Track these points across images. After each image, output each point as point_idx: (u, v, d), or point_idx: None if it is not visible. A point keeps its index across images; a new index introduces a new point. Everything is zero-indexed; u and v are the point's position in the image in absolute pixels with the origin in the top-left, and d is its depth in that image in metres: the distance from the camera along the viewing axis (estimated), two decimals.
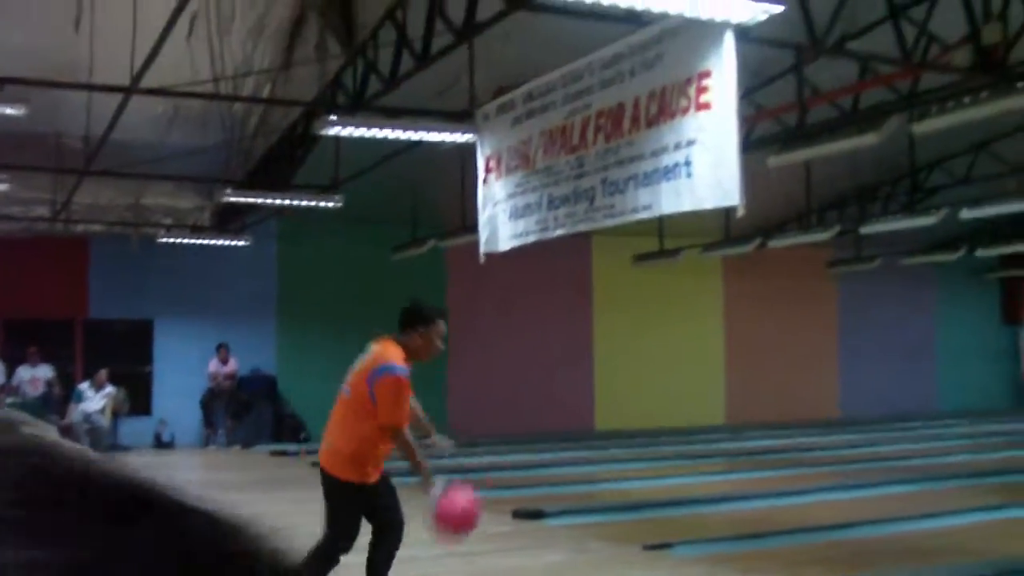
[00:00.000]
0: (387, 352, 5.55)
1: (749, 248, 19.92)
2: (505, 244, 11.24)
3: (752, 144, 13.49)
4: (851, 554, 7.38)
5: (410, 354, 5.56)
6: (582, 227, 10.33)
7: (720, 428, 21.22)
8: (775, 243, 19.70)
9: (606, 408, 21.65)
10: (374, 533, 5.63)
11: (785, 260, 22.48)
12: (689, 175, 8.54)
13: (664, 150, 8.68)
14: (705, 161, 8.35)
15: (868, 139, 12.28)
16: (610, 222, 9.71)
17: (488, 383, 20.59)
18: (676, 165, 8.66)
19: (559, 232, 10.60)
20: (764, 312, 23.80)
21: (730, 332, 23.59)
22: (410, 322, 5.66)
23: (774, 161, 13.25)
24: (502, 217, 11.25)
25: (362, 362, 5.62)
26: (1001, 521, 9.17)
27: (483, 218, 11.53)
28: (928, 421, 21.77)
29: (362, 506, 5.60)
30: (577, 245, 19.36)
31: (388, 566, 5.59)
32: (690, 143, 8.29)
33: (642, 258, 21.02)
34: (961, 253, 22.02)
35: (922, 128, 12.41)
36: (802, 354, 24.33)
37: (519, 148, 10.75)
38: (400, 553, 5.57)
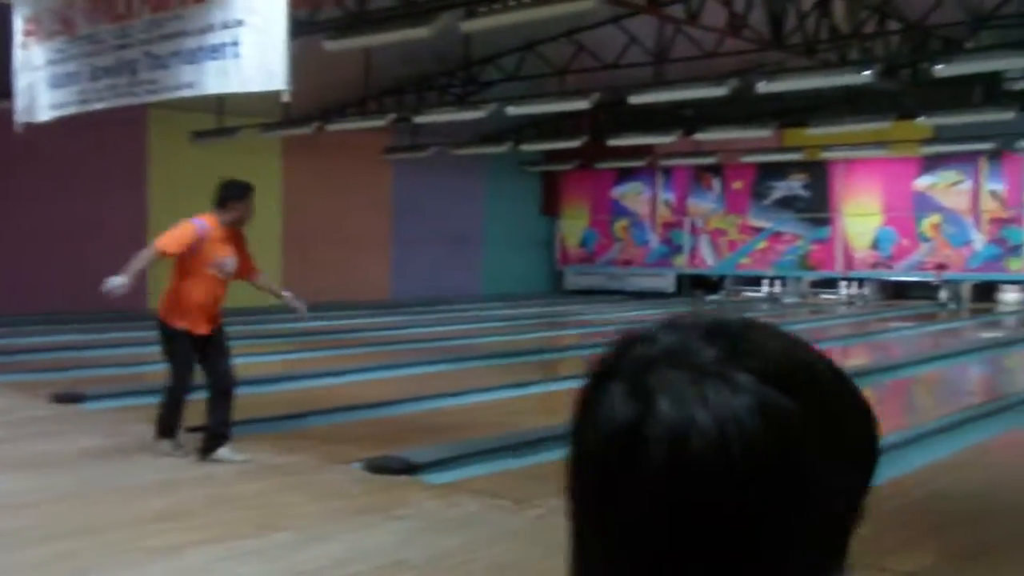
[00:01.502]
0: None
1: (308, 130, 20.04)
2: (44, 114, 10.61)
3: (311, 27, 13.56)
4: (383, 432, 7.68)
5: (227, 222, 6.80)
6: (124, 101, 9.95)
7: (275, 309, 21.32)
8: (334, 127, 19.94)
9: (157, 288, 21.07)
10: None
11: (344, 144, 22.80)
12: (236, 55, 8.46)
13: (211, 28, 8.51)
14: (253, 42, 8.29)
15: (421, 32, 12.64)
16: (152, 98, 9.45)
17: (33, 260, 19.40)
18: (223, 44, 8.53)
19: (100, 105, 10.15)
20: (322, 194, 24.06)
21: (288, 213, 23.67)
22: (225, 197, 6.91)
23: (331, 46, 13.36)
24: (42, 85, 10.60)
25: None
26: (522, 397, 9.93)
27: (21, 85, 10.80)
28: (472, 304, 23.14)
29: (180, 349, 6.62)
30: (132, 118, 18.53)
31: (167, 411, 6.67)
32: (238, 23, 8.17)
33: (200, 135, 20.54)
34: (508, 147, 23.37)
35: (472, 26, 12.95)
36: (357, 237, 24.90)
37: (60, 11, 10.12)
38: None
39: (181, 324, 6.63)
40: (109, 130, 17.51)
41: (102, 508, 5.23)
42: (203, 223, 6.77)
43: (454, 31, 13.46)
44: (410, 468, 6.23)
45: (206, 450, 6.50)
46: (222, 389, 6.61)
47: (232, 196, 6.93)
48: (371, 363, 12.27)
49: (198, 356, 6.66)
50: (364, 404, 9.02)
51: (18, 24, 10.39)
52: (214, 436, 6.53)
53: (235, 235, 6.91)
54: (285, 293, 7.41)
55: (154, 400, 9.01)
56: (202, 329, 6.65)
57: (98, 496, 5.51)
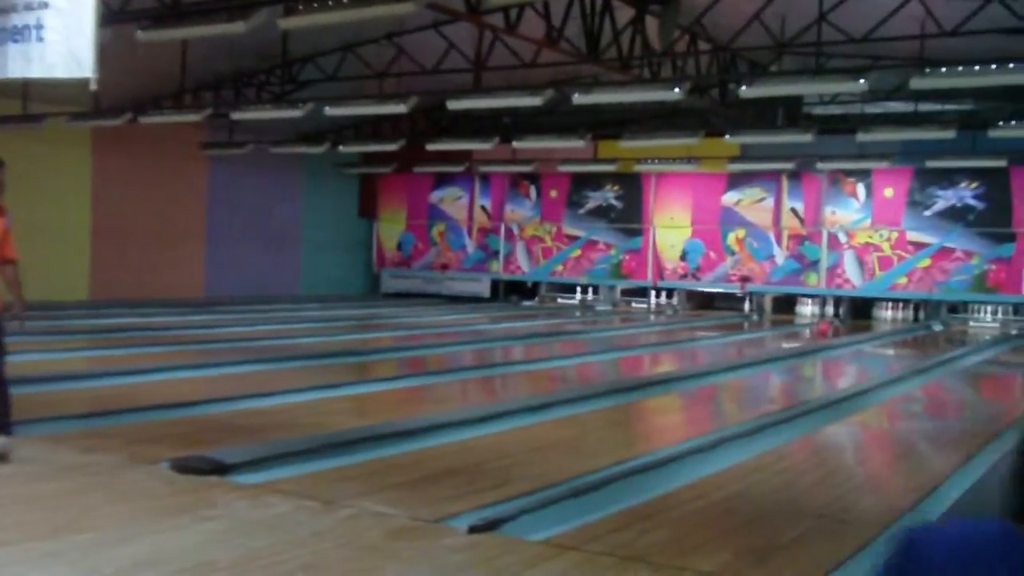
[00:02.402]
0: None
1: (119, 121, 19.36)
2: None
3: (125, 16, 13.11)
4: (190, 431, 7.52)
5: None
6: None
7: (83, 304, 20.59)
8: (147, 119, 19.34)
9: None
10: None
11: (158, 137, 22.15)
12: (40, 39, 8.12)
13: (13, 9, 8.13)
14: (58, 27, 7.97)
15: (237, 27, 12.40)
16: None
17: None
18: (26, 27, 8.17)
19: None
20: (134, 188, 23.28)
21: (97, 206, 22.80)
22: None
23: (143, 36, 12.96)
24: None
25: None
26: (335, 398, 9.91)
27: None
28: (287, 304, 22.83)
29: None
30: None
31: None
32: (42, 5, 7.82)
33: (2, 121, 19.57)
34: (325, 147, 23.15)
35: (290, 23, 12.80)
36: (171, 233, 24.20)
37: None
38: None
39: None
40: None
41: None
42: None
43: (273, 28, 13.27)
44: (219, 468, 6.11)
45: None
46: None
47: None
48: (181, 362, 12.00)
49: None
50: (173, 403, 8.82)
51: None
52: None
53: None
54: (15, 302, 6.83)
55: None
56: None
57: None
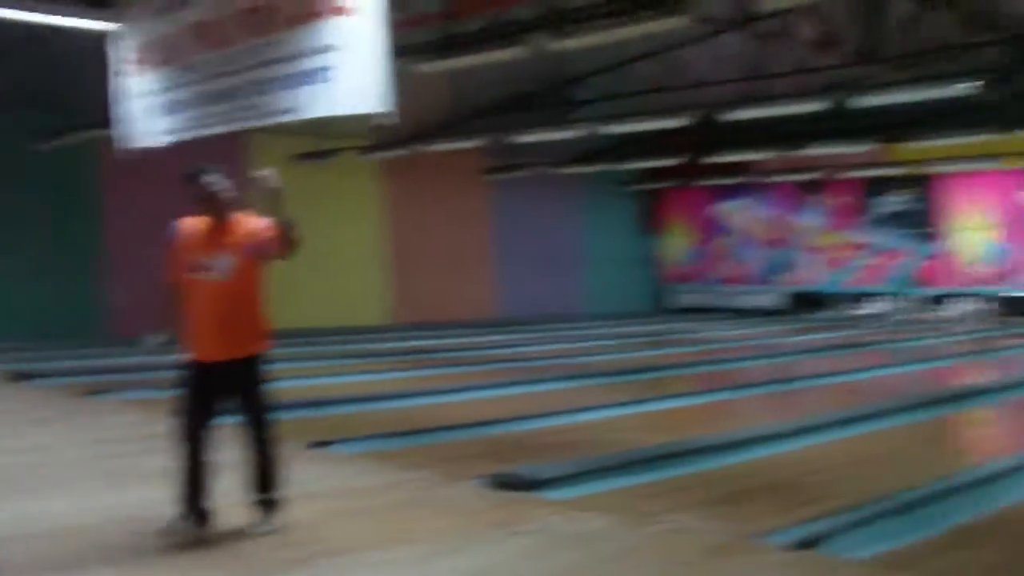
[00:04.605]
0: None
1: (403, 152, 20.22)
2: (149, 140, 10.82)
3: (403, 49, 13.62)
4: (501, 449, 7.72)
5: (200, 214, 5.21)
6: (230, 127, 10.06)
7: (385, 327, 21.60)
8: (429, 148, 20.07)
9: (272, 308, 21.32)
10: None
11: (442, 165, 22.95)
12: (331, 79, 8.49)
13: (303, 54, 8.54)
14: (347, 66, 8.29)
15: (516, 52, 12.63)
16: (256, 123, 9.53)
17: (150, 282, 19.77)
18: (316, 70, 8.56)
19: (207, 131, 10.28)
20: (424, 215, 24.25)
21: (392, 234, 23.89)
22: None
23: (425, 68, 13.42)
24: (146, 112, 10.80)
25: None
26: (634, 415, 9.87)
27: (125, 111, 11.02)
28: (577, 323, 23.08)
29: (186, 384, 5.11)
30: (234, 143, 18.89)
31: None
32: (329, 48, 8.18)
33: (300, 158, 20.86)
34: (604, 166, 23.27)
35: (567, 45, 12.90)
36: (460, 257, 25.03)
37: (166, 41, 10.29)
38: None
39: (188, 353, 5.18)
40: (213, 153, 17.78)
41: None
42: (174, 226, 5.30)
43: (548, 52, 13.43)
44: (531, 484, 6.19)
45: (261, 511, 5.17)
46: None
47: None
48: (483, 382, 12.35)
49: (218, 393, 5.10)
50: (479, 422, 9.09)
51: (121, 54, 10.57)
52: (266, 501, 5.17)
53: (223, 228, 5.18)
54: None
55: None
56: (205, 354, 5.09)
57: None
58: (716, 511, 5.64)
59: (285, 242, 4.97)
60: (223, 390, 5.06)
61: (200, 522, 4.94)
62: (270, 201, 4.87)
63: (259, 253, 5.03)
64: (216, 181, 5.07)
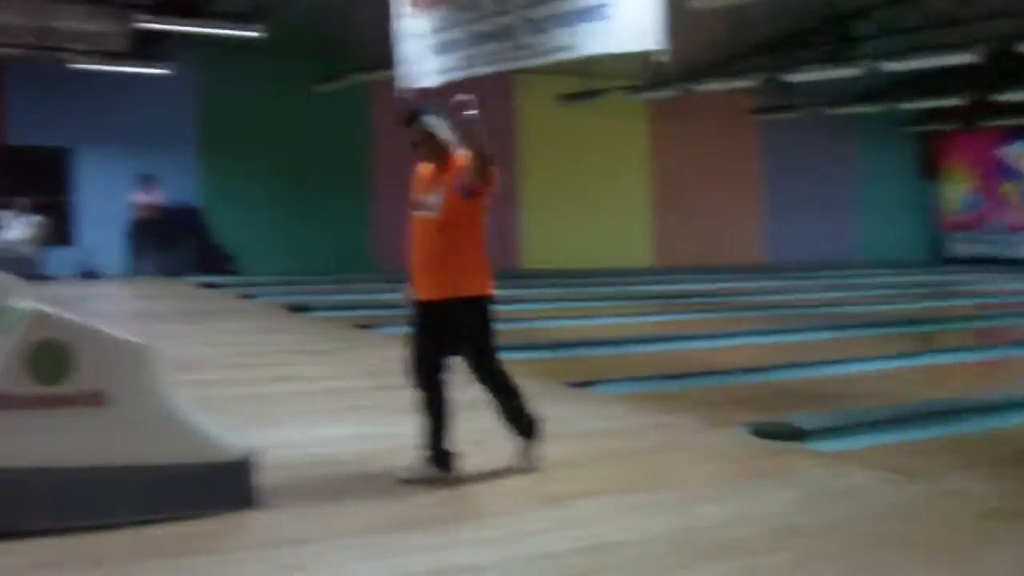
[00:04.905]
0: None
1: (673, 92, 19.94)
2: (426, 80, 11.16)
3: None
4: (764, 396, 7.60)
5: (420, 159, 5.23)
6: (504, 66, 10.26)
7: (646, 270, 21.59)
8: (699, 88, 19.73)
9: (532, 248, 21.84)
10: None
11: (710, 105, 22.55)
12: (608, 17, 8.47)
13: None
14: (624, 3, 8.27)
15: None
16: (532, 62, 9.66)
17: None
18: (593, 7, 8.56)
19: (481, 70, 10.51)
20: (689, 157, 23.97)
21: (656, 175, 23.76)
22: None
23: (698, 3, 13.17)
24: (423, 53, 11.13)
25: None
26: (908, 368, 9.57)
27: (403, 53, 11.39)
28: (850, 271, 22.32)
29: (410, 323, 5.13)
30: (500, 83, 19.21)
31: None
32: None
33: (566, 98, 20.95)
34: (883, 106, 22.22)
35: None
36: (726, 200, 24.65)
37: None
38: None
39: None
40: (479, 94, 18.16)
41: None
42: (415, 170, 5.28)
43: None
44: (797, 434, 6.05)
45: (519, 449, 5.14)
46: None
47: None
48: (749, 327, 12.22)
49: (442, 333, 4.96)
50: (742, 368, 8.96)
51: None
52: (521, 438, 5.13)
53: (441, 168, 5.07)
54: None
55: (535, 355, 9.17)
56: (422, 293, 5.02)
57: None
58: (989, 474, 5.35)
59: (478, 172, 4.84)
60: (446, 331, 4.95)
61: (443, 465, 4.92)
62: (466, 130, 4.78)
63: (463, 187, 4.92)
64: (433, 123, 5.02)
